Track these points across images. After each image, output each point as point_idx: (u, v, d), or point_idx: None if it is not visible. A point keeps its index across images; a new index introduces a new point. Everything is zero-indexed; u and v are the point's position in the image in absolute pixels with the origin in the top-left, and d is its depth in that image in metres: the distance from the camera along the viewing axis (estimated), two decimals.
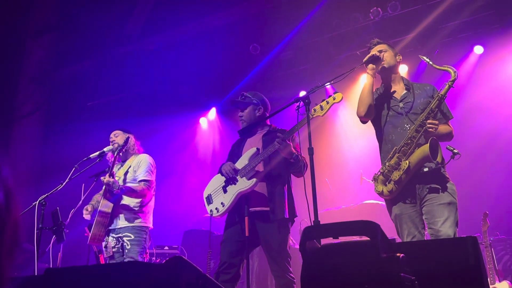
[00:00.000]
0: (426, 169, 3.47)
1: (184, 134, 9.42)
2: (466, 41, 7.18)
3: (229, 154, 4.38)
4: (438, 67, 3.62)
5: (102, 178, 4.59)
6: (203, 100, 9.30)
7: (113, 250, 4.64)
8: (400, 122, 3.65)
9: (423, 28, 6.98)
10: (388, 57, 3.77)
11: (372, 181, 3.65)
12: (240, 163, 4.06)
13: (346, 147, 8.17)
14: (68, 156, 6.40)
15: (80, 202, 4.71)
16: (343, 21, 7.31)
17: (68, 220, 4.61)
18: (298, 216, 4.11)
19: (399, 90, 3.79)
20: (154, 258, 6.52)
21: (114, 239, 4.65)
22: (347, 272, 2.00)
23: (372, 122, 3.88)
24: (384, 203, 3.78)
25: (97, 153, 4.75)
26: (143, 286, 1.58)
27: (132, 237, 4.62)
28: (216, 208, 4.08)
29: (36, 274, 4.06)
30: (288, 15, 7.47)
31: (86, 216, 4.77)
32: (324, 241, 2.31)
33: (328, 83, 3.73)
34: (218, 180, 4.15)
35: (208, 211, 4.15)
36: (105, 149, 4.80)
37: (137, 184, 4.75)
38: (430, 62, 3.65)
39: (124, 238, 4.62)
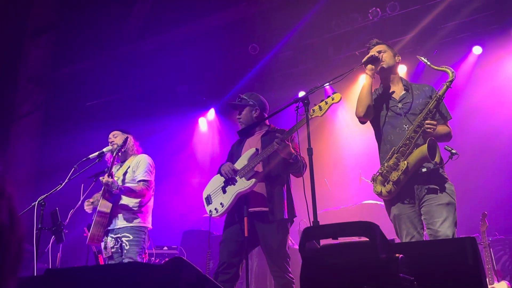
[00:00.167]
0: (424, 170, 3.48)
1: (183, 134, 9.42)
2: (465, 42, 7.18)
3: (229, 155, 4.39)
4: (436, 67, 3.63)
5: (101, 178, 4.60)
6: (202, 100, 9.30)
7: (112, 250, 4.64)
8: (398, 122, 3.66)
9: (422, 29, 6.98)
10: (387, 57, 3.78)
11: (371, 181, 3.66)
12: (239, 164, 4.06)
13: (345, 147, 8.17)
14: (67, 156, 6.41)
15: (79, 202, 4.71)
16: (342, 21, 7.30)
17: (67, 220, 4.61)
18: (297, 216, 4.12)
19: (398, 90, 3.80)
20: (153, 259, 6.53)
21: (113, 239, 4.64)
22: (346, 273, 2.00)
23: (371, 122, 3.89)
24: (383, 203, 3.78)
25: (96, 153, 4.75)
26: (143, 287, 1.58)
27: (131, 237, 4.62)
28: (215, 209, 4.08)
29: (35, 274, 4.07)
30: (287, 15, 7.47)
31: (88, 207, 4.76)
32: (323, 242, 2.31)
33: (327, 84, 3.73)
34: (217, 181, 4.16)
35: (208, 212, 4.16)
36: (104, 150, 4.80)
37: (136, 184, 4.76)
38: (428, 63, 3.65)
39: (123, 239, 4.62)
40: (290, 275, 3.86)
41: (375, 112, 3.78)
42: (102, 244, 4.68)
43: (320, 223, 3.02)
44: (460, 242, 2.18)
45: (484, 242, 5.27)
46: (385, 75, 3.83)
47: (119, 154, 4.79)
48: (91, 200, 4.83)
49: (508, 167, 6.59)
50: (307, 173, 3.38)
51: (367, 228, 1.96)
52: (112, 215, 4.66)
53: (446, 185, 3.48)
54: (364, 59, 3.74)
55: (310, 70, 8.12)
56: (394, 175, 3.46)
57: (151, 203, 4.91)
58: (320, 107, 3.67)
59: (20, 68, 8.96)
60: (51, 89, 9.22)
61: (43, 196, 4.32)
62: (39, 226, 4.19)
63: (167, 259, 6.56)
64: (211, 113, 9.49)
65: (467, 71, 7.19)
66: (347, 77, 3.74)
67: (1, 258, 0.93)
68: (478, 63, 7.17)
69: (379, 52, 3.78)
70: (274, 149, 3.81)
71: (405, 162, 3.43)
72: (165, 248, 6.85)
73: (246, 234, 3.77)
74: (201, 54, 8.26)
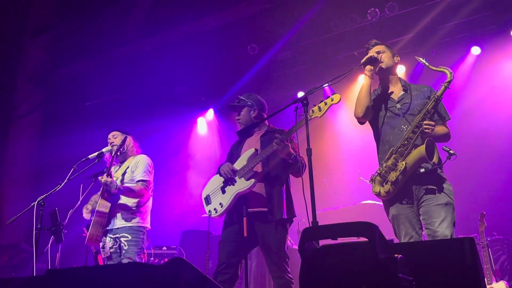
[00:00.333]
0: (422, 170, 3.48)
1: (182, 134, 9.42)
2: (463, 42, 7.20)
3: (228, 155, 4.39)
4: (434, 68, 3.63)
5: (99, 178, 4.60)
6: (201, 101, 9.31)
7: (111, 250, 4.63)
8: (397, 123, 3.66)
9: (421, 29, 7.00)
10: (386, 58, 3.78)
11: (369, 181, 3.67)
12: (239, 164, 4.07)
13: (344, 147, 8.18)
14: (66, 156, 6.41)
15: (79, 202, 4.71)
16: (340, 21, 7.32)
17: (67, 220, 4.61)
18: (296, 216, 4.13)
19: (396, 91, 3.80)
20: (152, 259, 6.54)
21: (112, 239, 4.64)
22: (346, 273, 2.01)
23: (369, 123, 3.89)
24: (381, 203, 3.79)
25: (96, 153, 4.75)
26: (144, 287, 1.59)
27: (130, 237, 4.62)
28: (214, 209, 4.09)
29: (34, 274, 4.07)
30: (286, 15, 7.48)
31: (86, 214, 4.78)
32: (322, 242, 2.32)
33: (326, 84, 3.74)
34: (216, 181, 4.17)
35: (207, 212, 4.16)
36: (103, 150, 4.80)
37: (135, 184, 4.76)
38: (426, 64, 3.66)
39: (122, 239, 4.61)
40: (289, 275, 3.86)
41: (373, 112, 3.79)
42: (101, 244, 4.67)
43: (319, 223, 3.02)
44: (459, 242, 2.19)
45: (483, 242, 5.29)
46: (384, 76, 3.84)
47: (118, 153, 4.79)
48: (89, 207, 4.83)
49: (506, 167, 6.61)
50: (306, 173, 3.39)
51: (367, 228, 1.97)
52: (110, 215, 4.66)
53: (444, 185, 3.49)
54: (363, 60, 3.75)
55: (309, 71, 8.13)
56: (393, 176, 3.47)
57: (150, 203, 4.91)
58: (319, 107, 3.68)
59: (19, 68, 8.97)
60: (50, 89, 9.23)
61: (42, 196, 4.33)
62: (39, 226, 4.19)
63: (166, 259, 6.58)
64: (210, 113, 9.50)
65: (465, 72, 7.21)
66: (346, 77, 3.74)
67: None
68: (477, 64, 7.19)
69: (378, 52, 3.79)
70: (274, 149, 3.82)
71: (404, 162, 3.44)
72: (164, 248, 6.86)
73: (245, 234, 3.78)
74: (200, 54, 8.26)
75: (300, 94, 8.17)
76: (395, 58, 3.85)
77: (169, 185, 8.53)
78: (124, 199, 4.72)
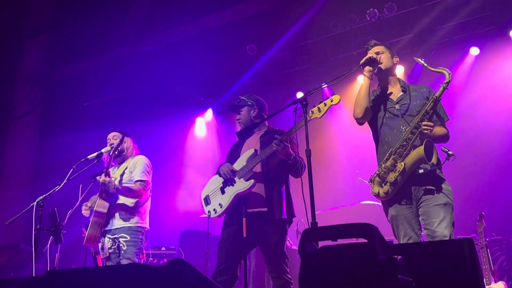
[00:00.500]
0: (421, 171, 3.49)
1: (180, 135, 9.43)
2: (462, 43, 7.21)
3: (228, 155, 4.40)
4: (432, 69, 3.64)
5: (98, 177, 4.60)
6: (200, 101, 9.31)
7: (110, 251, 4.63)
8: (396, 123, 3.67)
9: (420, 30, 7.01)
10: (385, 59, 3.79)
11: (368, 182, 3.68)
12: (238, 164, 4.08)
13: (343, 148, 8.18)
14: (65, 156, 6.41)
15: (78, 203, 4.71)
16: (339, 22, 7.32)
17: (66, 221, 4.61)
18: (295, 217, 4.13)
19: (395, 92, 3.81)
20: (151, 259, 6.54)
21: (110, 240, 4.64)
22: (345, 274, 2.02)
23: (368, 123, 3.90)
24: (380, 204, 3.80)
25: (95, 154, 4.75)
26: None
27: (128, 238, 4.62)
28: (214, 209, 4.09)
29: (34, 275, 4.07)
30: (285, 16, 7.48)
31: (85, 211, 4.77)
32: (322, 243, 2.33)
33: (325, 85, 3.75)
34: (216, 181, 4.17)
35: (206, 212, 4.17)
36: (103, 150, 4.80)
37: (134, 185, 4.76)
38: (425, 65, 3.67)
39: (120, 239, 4.61)
40: (288, 275, 3.87)
41: (372, 113, 3.79)
42: (100, 245, 4.67)
43: (318, 224, 3.03)
44: (458, 243, 2.20)
45: (481, 242, 5.29)
46: (383, 77, 3.85)
47: (116, 152, 4.79)
48: (88, 204, 4.84)
49: (505, 168, 6.62)
50: (305, 174, 3.40)
51: (366, 230, 1.98)
52: (109, 216, 4.66)
53: (443, 185, 3.49)
54: (362, 61, 3.76)
55: (307, 71, 8.14)
56: (392, 176, 3.47)
57: (148, 204, 4.91)
58: (319, 108, 3.69)
59: (18, 68, 8.96)
60: (48, 89, 9.22)
61: (41, 197, 4.32)
62: (38, 226, 4.19)
63: (165, 259, 6.59)
64: (209, 114, 9.50)
65: (464, 72, 7.22)
66: (345, 78, 3.75)
67: None
68: (476, 64, 7.20)
69: (377, 53, 3.80)
70: (273, 150, 3.83)
71: (402, 163, 3.44)
72: (163, 248, 6.86)
73: (244, 235, 3.79)
74: (199, 54, 8.26)
75: (299, 94, 8.18)
76: (394, 59, 3.86)
77: (168, 185, 8.53)
78: (122, 199, 4.72)
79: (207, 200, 4.18)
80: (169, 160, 8.92)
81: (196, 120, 9.56)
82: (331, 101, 3.64)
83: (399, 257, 1.98)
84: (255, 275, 5.99)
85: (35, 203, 4.27)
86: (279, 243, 3.90)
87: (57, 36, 9.10)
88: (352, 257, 2.05)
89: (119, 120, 8.05)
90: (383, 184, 3.53)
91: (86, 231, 4.60)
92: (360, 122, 3.88)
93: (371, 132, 3.90)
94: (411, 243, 3.40)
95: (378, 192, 3.56)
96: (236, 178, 4.01)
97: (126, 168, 4.89)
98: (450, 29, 7.04)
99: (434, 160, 3.43)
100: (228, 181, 4.04)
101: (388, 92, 3.82)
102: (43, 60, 9.14)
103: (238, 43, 8.07)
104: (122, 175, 4.85)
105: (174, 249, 6.97)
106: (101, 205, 4.61)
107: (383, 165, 3.54)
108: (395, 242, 3.69)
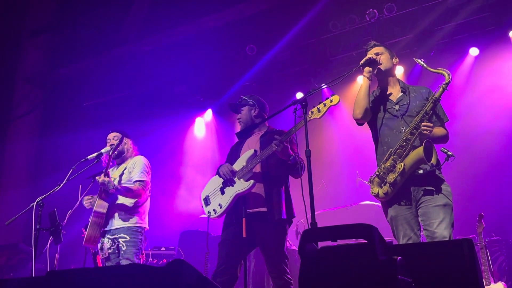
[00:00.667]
0: (421, 171, 3.49)
1: (180, 135, 9.43)
2: (461, 43, 7.21)
3: (228, 156, 4.40)
4: (432, 70, 3.64)
5: (97, 177, 4.60)
6: (199, 101, 9.31)
7: (109, 251, 4.63)
8: (395, 124, 3.67)
9: (419, 30, 7.01)
10: (384, 60, 3.79)
11: (368, 182, 3.68)
12: (238, 165, 4.08)
13: (342, 148, 8.19)
14: (65, 156, 6.41)
15: (78, 203, 4.71)
16: (339, 22, 7.32)
17: (65, 221, 4.60)
18: (295, 217, 4.13)
19: (395, 92, 3.81)
20: (150, 259, 6.54)
21: (110, 240, 4.64)
22: (345, 275, 2.02)
23: (368, 124, 3.90)
24: (380, 204, 3.80)
25: (95, 154, 4.75)
26: None
27: (128, 238, 4.62)
28: (213, 210, 4.10)
29: (33, 275, 4.07)
30: (285, 16, 7.49)
31: (87, 202, 4.75)
32: (322, 243, 2.33)
33: (325, 85, 3.75)
34: (215, 182, 4.18)
35: (206, 213, 4.17)
36: (102, 151, 4.80)
37: (132, 185, 4.76)
38: (425, 65, 3.67)
39: (120, 239, 4.61)
40: (288, 276, 3.87)
41: (372, 114, 3.79)
42: (99, 245, 4.67)
43: (318, 224, 3.04)
44: (457, 244, 2.20)
45: (481, 243, 5.29)
46: (382, 77, 3.85)
47: (115, 152, 4.79)
48: (90, 199, 4.83)
49: (504, 168, 6.62)
50: (305, 174, 3.40)
51: (366, 230, 1.98)
52: (108, 216, 4.66)
53: (442, 186, 3.49)
54: (362, 61, 3.76)
55: (307, 71, 8.14)
56: (391, 177, 3.48)
57: (147, 204, 4.91)
58: (318, 109, 3.69)
59: (17, 68, 8.96)
60: (48, 90, 9.23)
61: (41, 197, 4.32)
62: (38, 227, 4.19)
63: (165, 260, 6.58)
64: (209, 114, 9.51)
65: (464, 73, 7.22)
66: (345, 78, 3.76)
67: None
68: (475, 65, 7.20)
69: (377, 54, 3.80)
70: (273, 150, 3.83)
71: (402, 164, 3.44)
72: (163, 249, 6.86)
73: (244, 235, 3.79)
74: (199, 54, 8.27)
75: (299, 95, 8.18)
76: (394, 60, 3.86)
77: (168, 186, 8.53)
78: (122, 199, 4.72)
79: (207, 201, 4.18)
80: (169, 160, 8.92)
81: (195, 120, 9.56)
82: (331, 101, 3.64)
83: (399, 257, 1.98)
84: (255, 275, 6.00)
85: (35, 203, 4.27)
86: (279, 244, 3.90)
87: (57, 36, 9.10)
88: (352, 257, 2.05)
89: (119, 120, 8.06)
90: (383, 185, 3.53)
91: (86, 231, 4.60)
92: (359, 122, 3.88)
93: (371, 133, 3.90)
94: (411, 243, 3.40)
95: (378, 193, 3.56)
96: (235, 179, 4.01)
97: (125, 168, 4.89)
98: (450, 30, 7.05)
99: (433, 160, 3.43)
100: (228, 182, 4.05)
101: (387, 92, 3.82)
102: (43, 60, 9.15)
103: (238, 43, 8.08)
104: (121, 176, 4.84)
105: (174, 250, 6.97)
106: (101, 205, 4.60)
107: (382, 166, 3.55)
108: (395, 242, 3.69)
